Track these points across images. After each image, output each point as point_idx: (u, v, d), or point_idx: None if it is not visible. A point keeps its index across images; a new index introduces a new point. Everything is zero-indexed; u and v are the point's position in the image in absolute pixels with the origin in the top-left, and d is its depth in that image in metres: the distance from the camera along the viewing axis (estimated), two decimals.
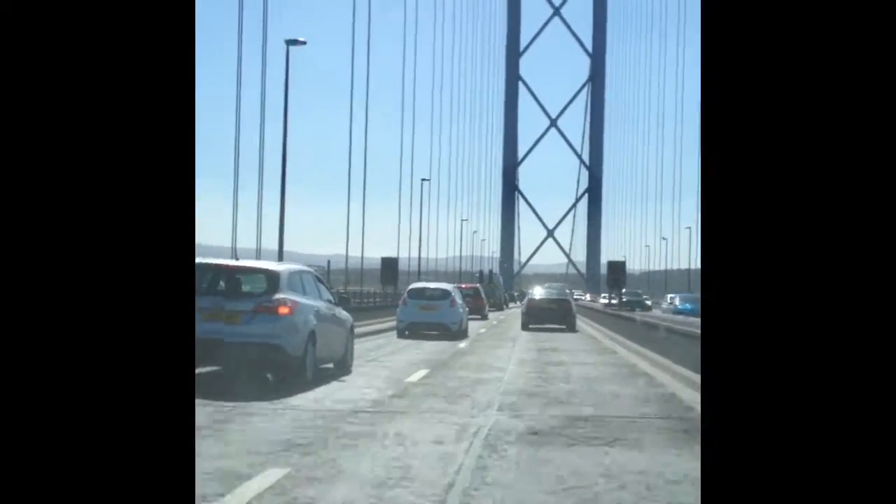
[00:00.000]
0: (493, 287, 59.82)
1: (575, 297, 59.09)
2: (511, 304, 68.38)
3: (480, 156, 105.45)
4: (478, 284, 47.30)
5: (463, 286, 43.24)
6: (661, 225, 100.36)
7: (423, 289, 26.00)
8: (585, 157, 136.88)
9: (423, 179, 62.11)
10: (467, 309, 27.57)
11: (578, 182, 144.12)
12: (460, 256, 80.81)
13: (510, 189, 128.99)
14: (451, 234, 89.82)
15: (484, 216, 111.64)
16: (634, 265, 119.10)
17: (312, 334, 10.93)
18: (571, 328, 29.39)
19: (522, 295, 51.47)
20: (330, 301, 12.74)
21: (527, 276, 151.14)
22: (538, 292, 33.09)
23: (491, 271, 70.72)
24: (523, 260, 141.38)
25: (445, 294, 25.08)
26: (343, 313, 13.32)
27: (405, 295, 25.49)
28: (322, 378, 11.18)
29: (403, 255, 65.60)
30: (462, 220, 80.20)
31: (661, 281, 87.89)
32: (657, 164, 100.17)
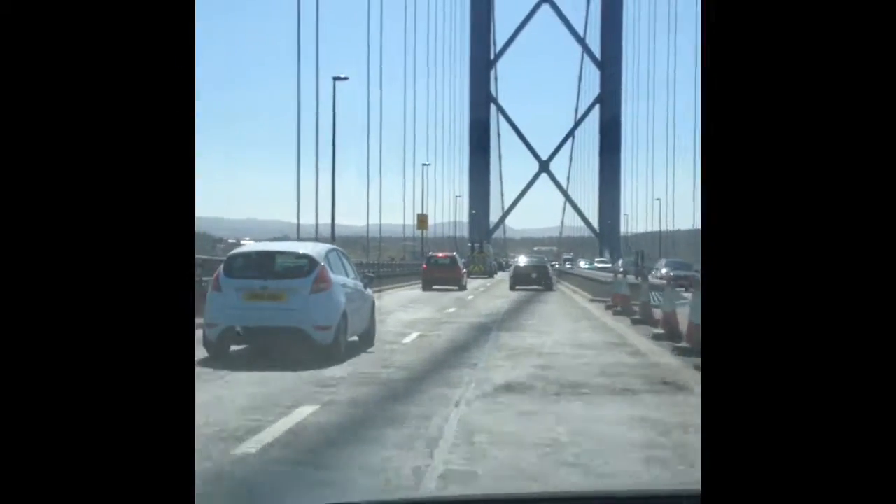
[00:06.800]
0: (483, 256, 61.30)
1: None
2: (499, 272, 67.52)
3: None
4: (454, 252, 45.28)
5: (440, 255, 41.60)
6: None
7: (260, 256, 12.72)
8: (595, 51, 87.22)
9: (423, 164, 64.08)
10: (371, 293, 14.12)
11: (579, 92, 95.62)
12: (405, 224, 67.13)
13: (482, 107, 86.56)
14: (446, 201, 79.31)
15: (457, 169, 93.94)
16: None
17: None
18: (549, 288, 38.38)
19: (509, 265, 55.24)
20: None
21: (512, 240, 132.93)
22: (522, 261, 42.38)
23: (483, 241, 72.35)
24: (507, 217, 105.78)
25: (310, 265, 11.99)
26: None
27: (219, 269, 12.28)
28: None
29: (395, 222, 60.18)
30: (423, 165, 69.27)
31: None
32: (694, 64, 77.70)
